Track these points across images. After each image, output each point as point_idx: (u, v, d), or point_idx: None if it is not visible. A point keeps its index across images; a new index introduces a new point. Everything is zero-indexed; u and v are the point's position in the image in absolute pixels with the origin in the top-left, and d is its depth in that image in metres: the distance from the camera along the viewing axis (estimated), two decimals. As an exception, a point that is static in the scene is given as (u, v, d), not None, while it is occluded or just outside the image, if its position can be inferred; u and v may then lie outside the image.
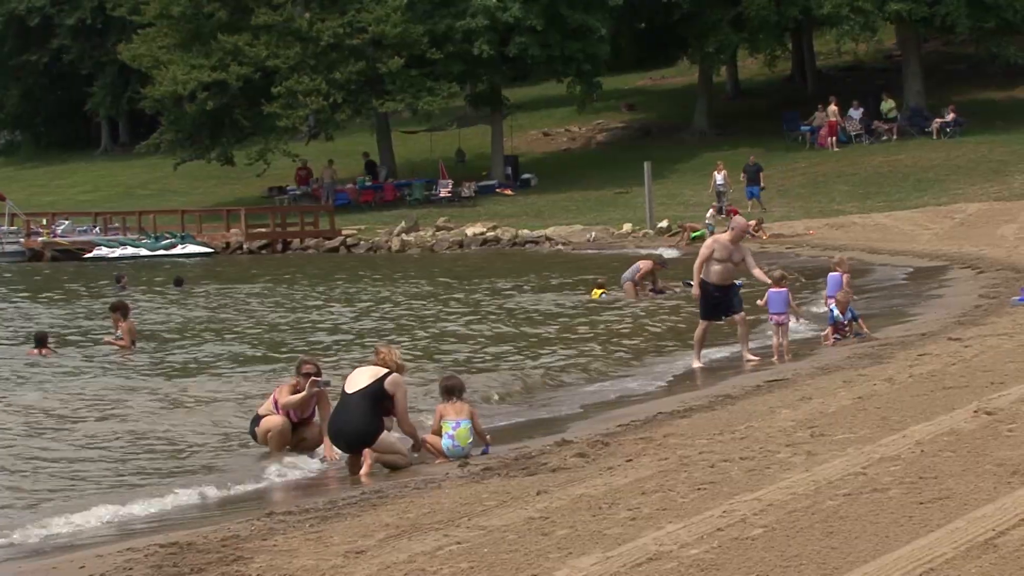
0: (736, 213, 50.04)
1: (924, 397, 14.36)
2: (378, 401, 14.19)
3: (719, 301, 21.25)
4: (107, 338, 25.92)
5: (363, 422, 14.10)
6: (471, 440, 14.45)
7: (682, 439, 13.13)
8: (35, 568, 10.38)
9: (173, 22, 67.39)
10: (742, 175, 54.66)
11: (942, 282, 32.38)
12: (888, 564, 8.07)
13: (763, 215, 51.08)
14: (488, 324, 28.43)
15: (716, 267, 21.17)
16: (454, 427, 14.40)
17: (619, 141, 74.25)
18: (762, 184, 54.96)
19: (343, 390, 14.46)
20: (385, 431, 14.31)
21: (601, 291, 32.42)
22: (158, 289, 39.98)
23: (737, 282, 21.74)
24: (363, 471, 13.96)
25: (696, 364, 21.22)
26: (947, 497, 9.63)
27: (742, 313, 21.43)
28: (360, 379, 14.35)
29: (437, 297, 34.61)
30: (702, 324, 21.40)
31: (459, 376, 15.68)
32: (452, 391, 14.71)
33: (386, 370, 14.30)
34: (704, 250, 21.50)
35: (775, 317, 21.37)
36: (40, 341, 25.22)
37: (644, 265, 32.98)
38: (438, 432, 14.50)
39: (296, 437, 15.33)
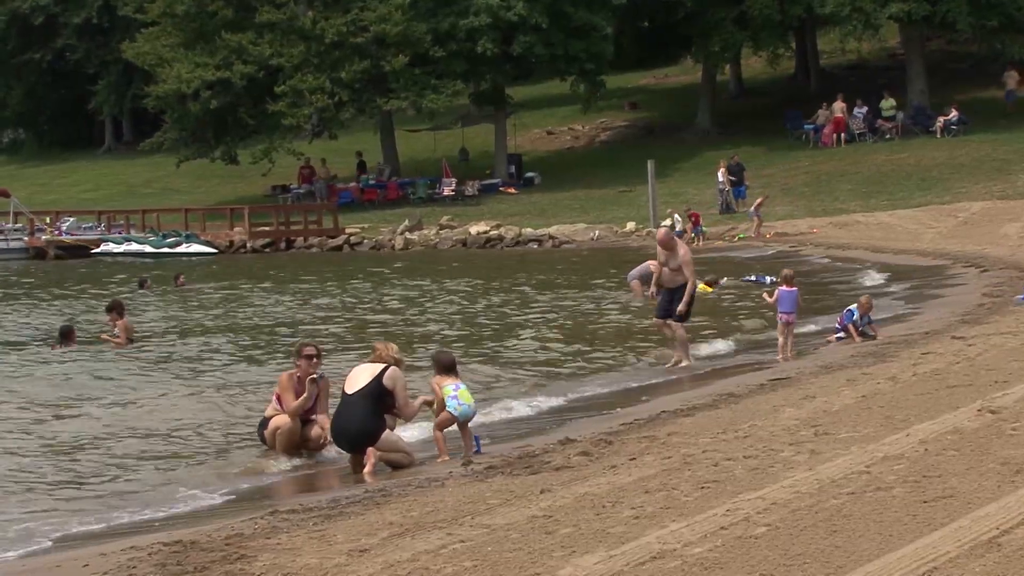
0: (697, 217, 50.23)
1: (928, 396, 14.35)
2: (379, 400, 14.20)
3: (667, 302, 21.58)
4: (104, 335, 25.98)
5: (365, 422, 14.10)
6: (473, 400, 14.51)
7: (685, 438, 13.13)
8: (38, 566, 10.39)
9: (177, 20, 67.46)
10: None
11: (945, 281, 32.38)
12: (892, 563, 8.06)
13: (734, 216, 52.09)
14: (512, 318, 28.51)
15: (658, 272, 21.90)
16: (455, 389, 14.38)
17: (622, 140, 74.25)
18: (746, 182, 55.22)
19: (343, 391, 14.45)
20: (387, 430, 14.31)
21: (711, 288, 32.58)
22: (163, 287, 39.97)
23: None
24: (367, 469, 13.96)
25: (685, 363, 21.46)
26: (951, 496, 9.62)
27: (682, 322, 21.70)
28: (359, 379, 14.34)
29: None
30: (658, 323, 21.84)
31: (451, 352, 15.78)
32: (450, 367, 14.68)
33: (383, 365, 14.31)
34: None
35: (784, 316, 21.38)
36: (64, 335, 25.32)
37: (654, 266, 32.76)
38: (442, 403, 14.42)
39: (301, 437, 15.32)
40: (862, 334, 22.17)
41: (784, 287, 21.58)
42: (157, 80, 67.27)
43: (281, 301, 34.79)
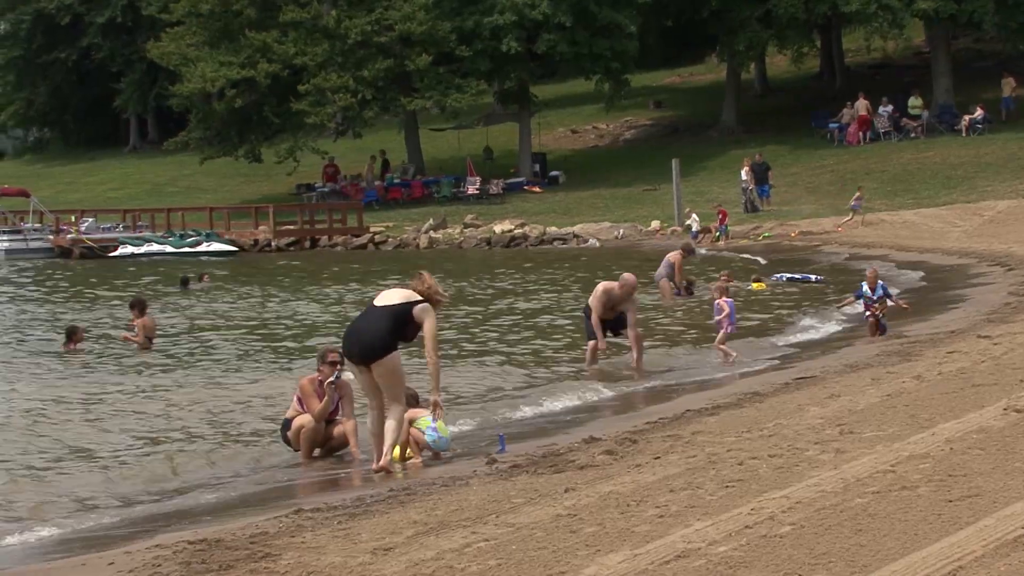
0: (725, 214, 50.16)
1: (953, 395, 14.31)
2: (401, 323, 13.91)
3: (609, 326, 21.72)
4: (124, 333, 26.02)
5: (378, 336, 13.84)
6: (449, 433, 14.53)
7: (710, 436, 13.10)
8: (64, 564, 10.41)
9: (202, 20, 67.65)
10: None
11: (971, 280, 32.28)
12: (917, 562, 8.04)
13: (758, 215, 52.14)
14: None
15: (602, 310, 21.58)
16: (434, 420, 14.34)
17: (647, 139, 74.20)
18: (771, 182, 55.15)
19: (371, 303, 14.32)
20: (396, 351, 14.04)
21: (763, 285, 32.51)
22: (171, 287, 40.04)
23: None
24: (382, 463, 13.85)
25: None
26: (976, 495, 9.59)
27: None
28: (391, 297, 14.13)
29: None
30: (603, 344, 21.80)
31: None
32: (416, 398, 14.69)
33: (420, 298, 14.12)
34: (599, 300, 21.68)
35: (732, 327, 21.86)
36: (70, 335, 25.33)
37: (674, 258, 32.27)
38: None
39: (323, 436, 15.33)
40: (881, 302, 22.55)
41: (726, 299, 21.94)
42: (181, 79, 67.46)
43: (306, 300, 34.87)
